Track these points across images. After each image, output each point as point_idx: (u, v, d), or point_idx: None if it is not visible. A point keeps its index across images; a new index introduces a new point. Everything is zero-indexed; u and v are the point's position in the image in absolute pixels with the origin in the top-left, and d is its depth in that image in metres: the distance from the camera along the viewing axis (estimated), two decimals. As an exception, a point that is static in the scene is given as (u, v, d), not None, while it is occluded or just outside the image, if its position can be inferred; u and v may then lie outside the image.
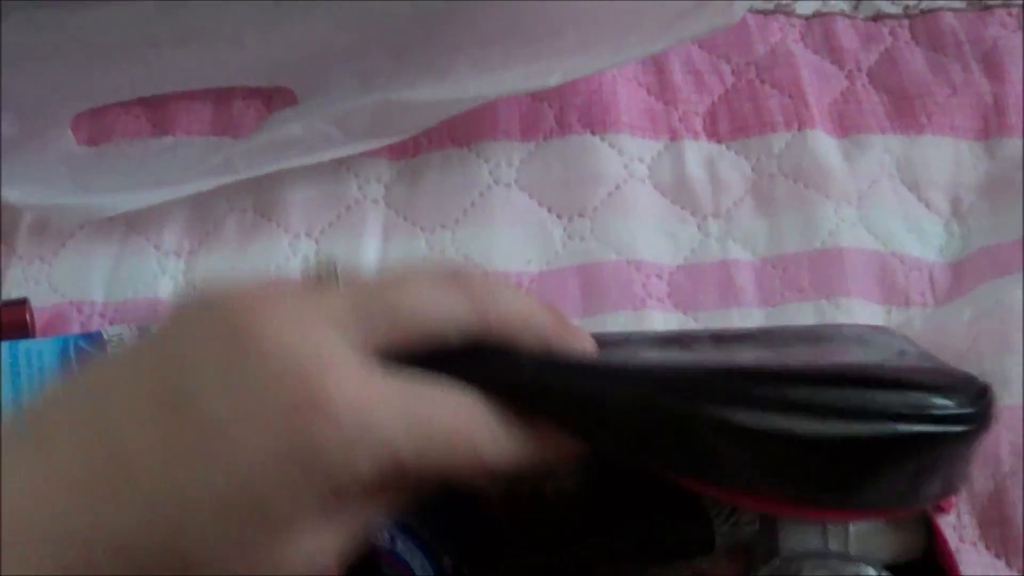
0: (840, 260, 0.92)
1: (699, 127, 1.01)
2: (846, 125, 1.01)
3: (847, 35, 1.07)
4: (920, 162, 0.99)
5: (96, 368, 0.47)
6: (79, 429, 0.43)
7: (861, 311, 0.89)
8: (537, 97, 1.03)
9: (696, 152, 1.00)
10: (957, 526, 0.78)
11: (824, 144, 0.99)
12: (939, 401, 0.54)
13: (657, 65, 1.05)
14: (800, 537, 0.68)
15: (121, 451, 0.42)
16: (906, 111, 1.01)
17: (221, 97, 1.06)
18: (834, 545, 0.67)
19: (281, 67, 1.02)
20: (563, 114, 1.02)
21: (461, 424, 0.47)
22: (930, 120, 1.00)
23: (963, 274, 0.92)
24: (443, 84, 0.95)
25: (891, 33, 1.07)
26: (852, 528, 0.67)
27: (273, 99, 1.05)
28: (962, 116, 1.01)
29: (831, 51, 1.06)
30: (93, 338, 0.84)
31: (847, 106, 1.02)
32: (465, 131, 1.01)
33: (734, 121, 1.01)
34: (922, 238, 0.95)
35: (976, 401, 0.56)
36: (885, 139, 1.00)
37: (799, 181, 0.96)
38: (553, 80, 0.93)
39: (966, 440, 0.55)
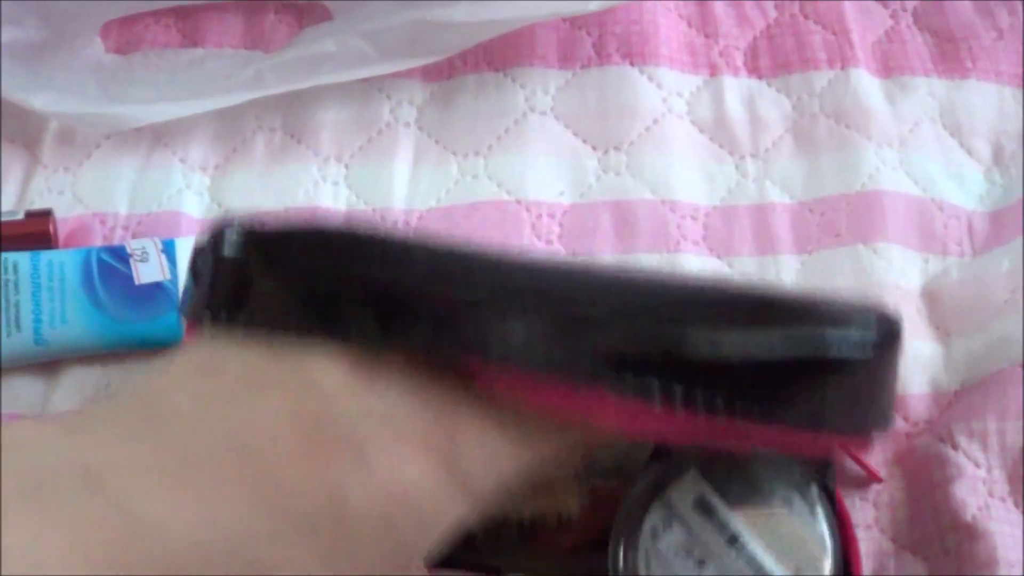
0: (879, 204, 0.90)
1: (739, 62, 1.00)
2: (889, 66, 0.99)
3: (893, -27, 1.05)
4: (963, 107, 0.97)
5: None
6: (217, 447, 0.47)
7: (898, 258, 0.88)
8: (576, 24, 1.01)
9: (736, 88, 0.98)
10: (987, 480, 0.77)
11: (867, 84, 0.97)
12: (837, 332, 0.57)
13: (698, -3, 1.03)
14: None
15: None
16: (951, 54, 1.00)
17: (253, 10, 1.04)
18: None
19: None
20: (601, 43, 1.00)
21: None
22: (975, 64, 0.99)
23: (1002, 224, 0.90)
24: (480, 5, 0.93)
25: (938, -27, 1.05)
26: None
27: (306, 14, 1.03)
28: (1007, 62, 0.99)
29: (875, -13, 1.04)
30: (116, 251, 0.84)
31: (891, 46, 1.00)
32: (502, 55, 0.99)
33: (775, 57, 1.00)
34: (962, 185, 0.93)
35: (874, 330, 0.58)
36: (929, 82, 0.98)
37: (840, 121, 0.94)
38: (593, 5, 0.92)
39: (864, 368, 0.58)
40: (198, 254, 0.61)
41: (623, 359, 0.55)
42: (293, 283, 0.55)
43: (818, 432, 0.60)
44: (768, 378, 0.56)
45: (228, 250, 0.57)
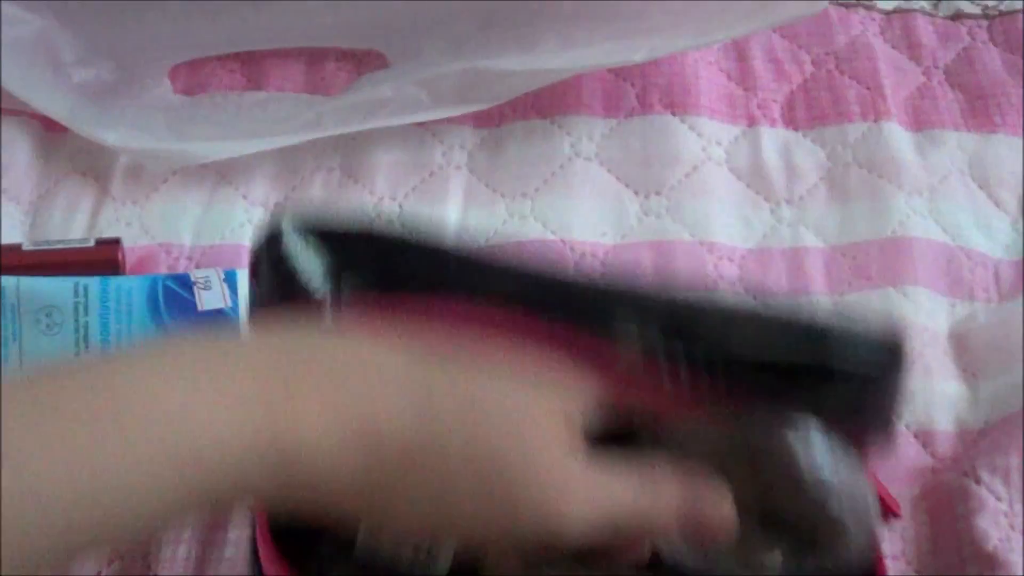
0: (909, 250, 0.93)
1: (777, 114, 1.03)
2: (921, 120, 1.03)
3: (926, 32, 1.10)
4: (992, 160, 1.00)
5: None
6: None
7: (926, 301, 0.91)
8: (620, 75, 1.05)
9: (773, 138, 1.02)
10: (1008, 513, 0.79)
11: (898, 137, 1.01)
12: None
13: (738, 52, 1.08)
14: None
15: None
16: (980, 110, 1.03)
17: (314, 56, 1.08)
18: None
19: (373, 31, 1.05)
20: (645, 93, 1.04)
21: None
22: (1004, 120, 1.02)
23: (1029, 272, 0.94)
24: (530, 56, 0.97)
25: (969, 33, 1.09)
26: None
27: (364, 61, 1.08)
28: (1035, 118, 1.03)
29: (909, 47, 1.09)
30: (181, 279, 0.87)
31: (923, 101, 1.04)
32: (549, 104, 1.03)
33: (811, 110, 1.04)
34: (989, 234, 0.96)
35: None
36: (959, 136, 1.02)
37: (872, 171, 0.98)
38: (638, 57, 0.96)
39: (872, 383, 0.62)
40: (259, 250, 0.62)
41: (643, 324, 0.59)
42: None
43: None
44: (775, 377, 0.59)
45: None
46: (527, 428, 0.50)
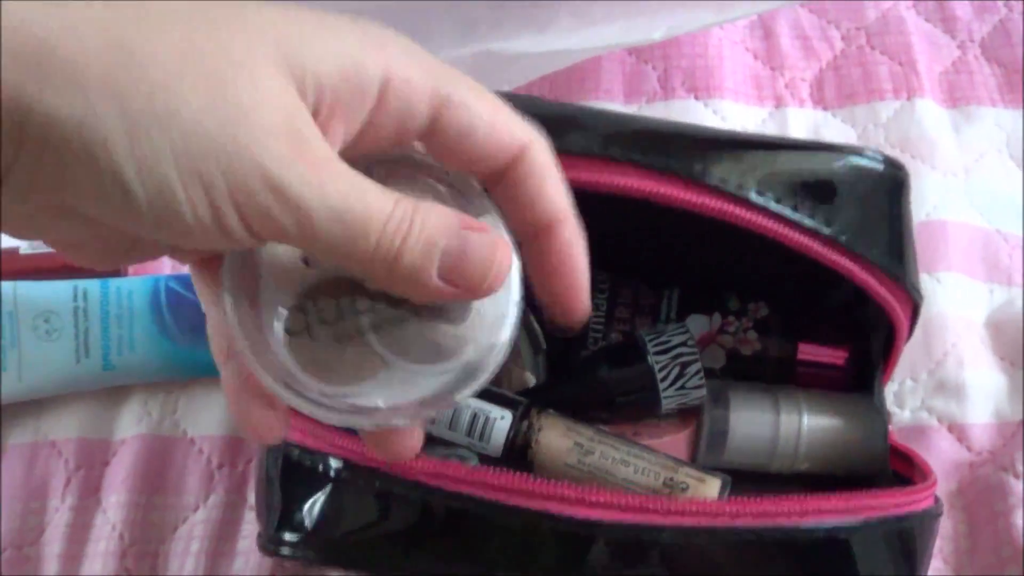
0: (944, 234, 0.90)
1: (805, 94, 1.00)
2: (956, 96, 0.99)
3: (961, 5, 1.05)
4: (1030, 138, 0.96)
5: None
6: None
7: (962, 287, 0.88)
8: (641, 58, 1.01)
9: (801, 119, 0.98)
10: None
11: (933, 114, 0.97)
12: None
13: (765, 29, 1.04)
14: (750, 405, 0.71)
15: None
16: (1018, 85, 0.99)
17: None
18: (784, 419, 0.71)
19: (381, 15, 1.01)
20: (667, 76, 1.00)
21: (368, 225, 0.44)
22: (1043, 95, 0.98)
23: (1070, 255, 0.90)
24: (544, 36, 0.93)
25: (1006, 5, 1.05)
26: (806, 411, 0.71)
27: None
28: (1077, 91, 0.98)
29: (943, 20, 1.04)
30: (184, 280, 0.85)
31: (958, 77, 1.00)
32: (566, 88, 1.00)
33: (841, 88, 1.00)
34: (1028, 217, 0.93)
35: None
36: (996, 112, 0.98)
37: (905, 151, 0.94)
38: (658, 35, 0.92)
39: (879, 180, 0.67)
40: None
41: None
42: None
43: (841, 248, 0.63)
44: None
45: None
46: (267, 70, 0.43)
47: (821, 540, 0.59)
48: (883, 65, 1.00)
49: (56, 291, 0.83)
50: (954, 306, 0.87)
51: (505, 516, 0.58)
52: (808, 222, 0.62)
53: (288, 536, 0.61)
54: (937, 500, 0.65)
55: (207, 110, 0.40)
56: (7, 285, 0.83)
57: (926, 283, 0.87)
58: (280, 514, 0.62)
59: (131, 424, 0.85)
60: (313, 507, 0.61)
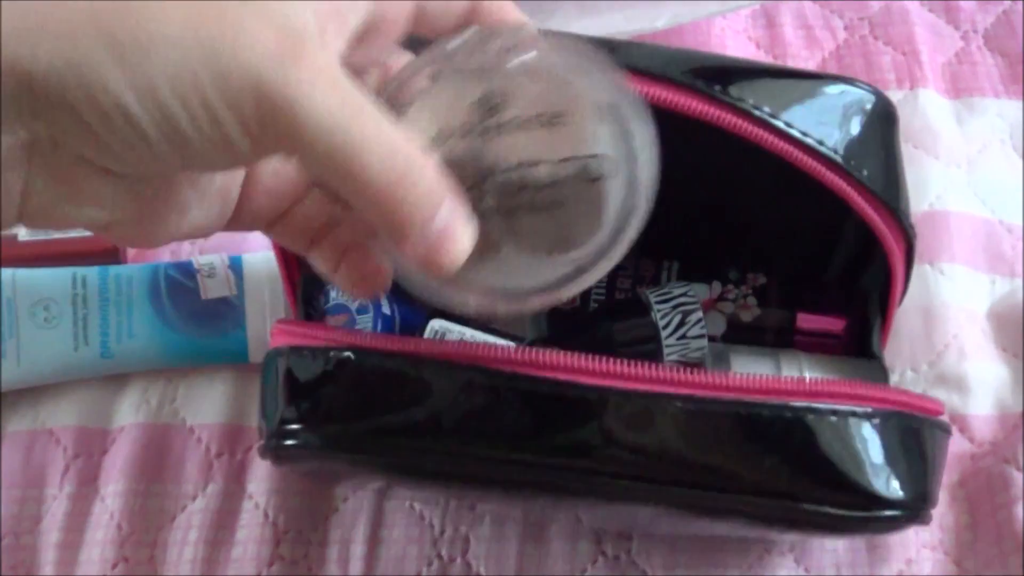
0: (946, 224, 0.89)
1: (808, 83, 0.99)
2: (959, 87, 0.99)
3: (965, -5, 1.04)
4: (1034, 128, 0.96)
5: None
6: None
7: (964, 279, 0.87)
8: (643, 47, 1.01)
9: (803, 109, 0.97)
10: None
11: (936, 104, 0.96)
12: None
13: (768, 18, 1.03)
14: (751, 366, 0.71)
15: None
16: (1020, 76, 0.99)
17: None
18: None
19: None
20: (669, 67, 1.00)
21: (370, 149, 0.45)
22: (1046, 86, 0.98)
23: (1073, 246, 0.89)
24: (549, 23, 0.93)
25: (1010, -5, 1.04)
26: (806, 364, 0.71)
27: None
28: (1079, 82, 0.98)
29: (947, 10, 1.04)
30: (183, 267, 0.85)
31: (961, 67, 1.00)
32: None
33: (845, 77, 0.99)
34: (1031, 208, 0.92)
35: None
36: (999, 103, 0.97)
37: (908, 141, 0.93)
38: (660, 23, 0.91)
39: (872, 112, 0.67)
40: None
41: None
42: None
43: (838, 167, 0.63)
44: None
45: None
46: None
47: (834, 423, 0.59)
48: (886, 55, 0.99)
49: (55, 278, 0.83)
50: (956, 297, 0.86)
51: (514, 385, 0.58)
52: (804, 138, 0.62)
53: (293, 426, 0.61)
54: (947, 421, 0.66)
55: (192, 25, 0.43)
56: (6, 272, 0.83)
57: (928, 274, 0.86)
58: (284, 409, 0.61)
59: (130, 412, 0.84)
60: (318, 398, 0.61)
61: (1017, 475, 0.78)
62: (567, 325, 0.76)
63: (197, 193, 0.53)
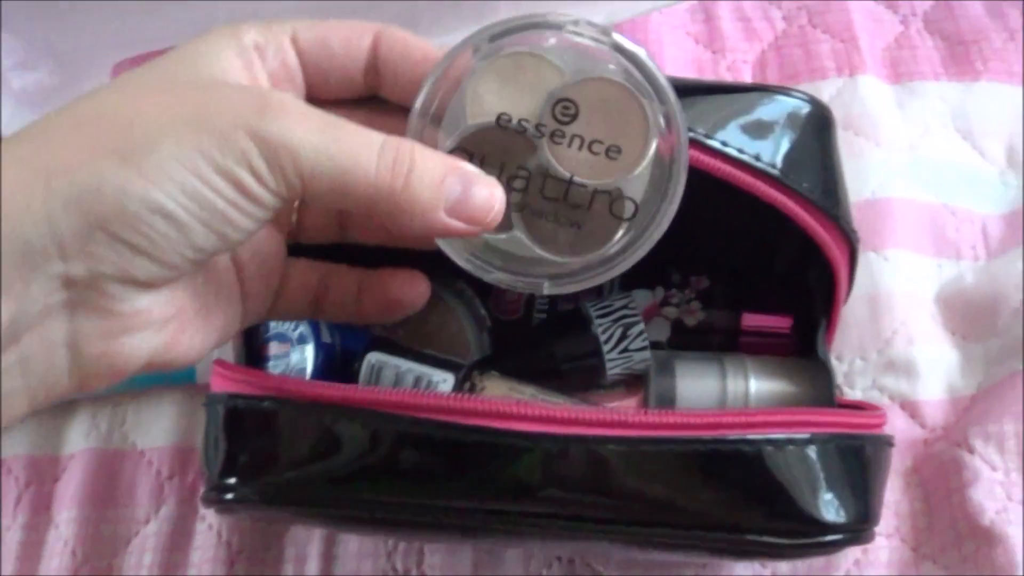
0: (890, 211, 0.89)
1: (747, 76, 0.99)
2: (899, 71, 0.98)
3: (903, -22, 1.04)
4: (975, 110, 0.95)
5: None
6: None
7: (910, 264, 0.87)
8: (582, 45, 1.00)
9: (744, 101, 0.97)
10: (1005, 483, 0.77)
11: (876, 91, 0.96)
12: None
13: (706, 12, 1.03)
14: (696, 372, 0.71)
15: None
16: (962, 57, 0.98)
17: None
18: (731, 384, 0.70)
19: (324, 9, 1.01)
20: (606, 63, 0.99)
21: (356, 159, 0.50)
22: (986, 66, 0.97)
23: (1017, 225, 0.89)
24: (473, 25, 0.93)
25: (948, -24, 1.04)
26: (752, 375, 0.71)
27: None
28: (1020, 62, 0.98)
29: (885, -7, 1.03)
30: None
31: (901, 52, 0.99)
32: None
33: (784, 68, 0.99)
34: (975, 189, 0.92)
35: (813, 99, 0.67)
36: (939, 86, 0.97)
37: (849, 129, 0.93)
38: (597, 20, 0.91)
39: (807, 120, 0.66)
40: None
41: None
42: None
43: (773, 180, 0.63)
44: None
45: None
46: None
47: (770, 453, 0.59)
48: (825, 43, 0.99)
49: None
50: (902, 283, 0.86)
51: (447, 435, 0.58)
52: (738, 155, 0.62)
53: (231, 480, 0.61)
54: (889, 434, 0.65)
55: (173, 112, 0.47)
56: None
57: (873, 262, 0.86)
58: (223, 462, 0.61)
59: (80, 439, 0.84)
60: (255, 449, 0.61)
61: (970, 458, 0.78)
62: (510, 339, 0.76)
63: (220, 295, 0.57)
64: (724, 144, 0.62)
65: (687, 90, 0.58)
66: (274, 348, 0.75)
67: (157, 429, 0.84)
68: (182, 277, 0.51)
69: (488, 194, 0.53)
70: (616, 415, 0.58)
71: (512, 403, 0.58)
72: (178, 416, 0.85)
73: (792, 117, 0.65)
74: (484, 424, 0.58)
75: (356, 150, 0.49)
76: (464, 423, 0.58)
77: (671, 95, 0.55)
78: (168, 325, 0.52)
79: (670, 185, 0.55)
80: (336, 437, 0.59)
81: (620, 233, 0.56)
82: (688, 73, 0.99)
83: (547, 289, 0.56)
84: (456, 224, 0.52)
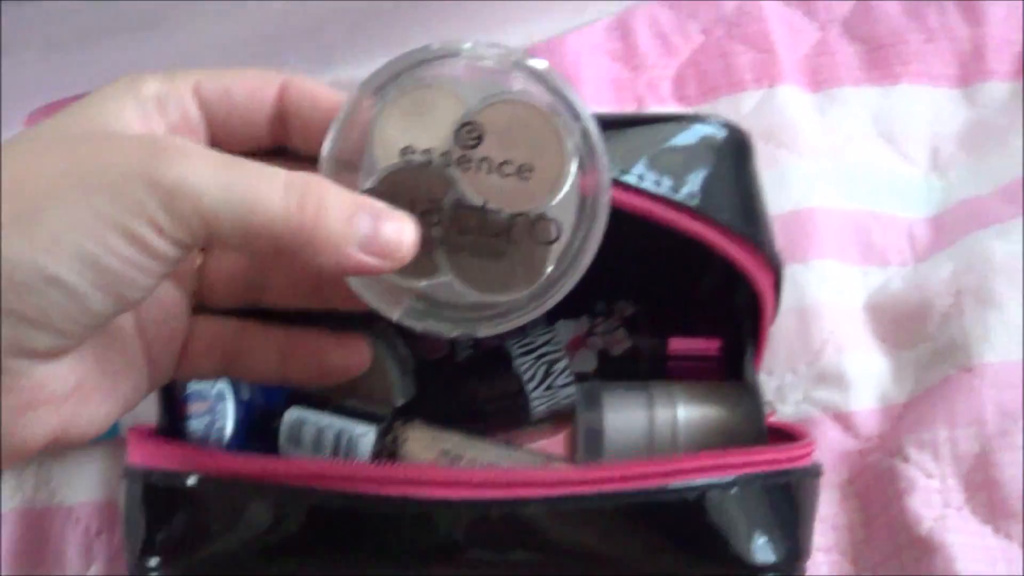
0: (813, 221, 0.89)
1: (666, 92, 0.98)
2: (819, 79, 0.98)
3: (820, -17, 1.04)
4: (897, 113, 0.96)
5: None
6: None
7: (836, 273, 0.87)
8: (498, 70, 1.00)
9: (664, 119, 0.96)
10: (942, 490, 0.77)
11: (796, 100, 0.96)
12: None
13: (623, 29, 1.02)
14: (623, 403, 0.70)
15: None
16: (881, 61, 0.98)
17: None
18: (659, 412, 0.69)
19: (236, 47, 1.00)
20: (524, 85, 0.99)
21: (260, 196, 0.48)
22: (906, 69, 0.97)
23: (943, 228, 0.89)
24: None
25: (865, -21, 1.04)
26: (680, 403, 0.70)
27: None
28: (940, 62, 0.98)
29: (802, 2, 1.03)
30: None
31: (820, 59, 0.99)
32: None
33: (703, 82, 0.98)
34: (899, 193, 0.92)
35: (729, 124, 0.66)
36: (860, 91, 0.97)
37: (770, 141, 0.93)
38: (507, 43, 0.91)
39: (723, 146, 0.65)
40: None
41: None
42: None
43: (691, 212, 0.62)
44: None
45: None
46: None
47: (693, 499, 0.58)
48: (743, 55, 0.99)
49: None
50: (829, 293, 0.86)
51: (364, 505, 0.57)
52: (656, 189, 0.61)
53: (151, 561, 0.60)
54: (817, 463, 0.64)
55: (62, 170, 0.45)
56: None
57: (799, 273, 0.86)
58: (143, 541, 0.60)
59: (5, 499, 0.83)
60: (174, 527, 0.59)
61: (905, 467, 0.77)
62: (434, 379, 0.75)
63: (123, 361, 0.55)
64: (640, 179, 0.61)
65: (602, 125, 0.57)
66: (194, 407, 0.74)
67: (84, 485, 0.83)
68: (81, 345, 0.49)
69: (398, 227, 0.51)
70: (537, 474, 0.58)
71: (429, 468, 0.58)
72: (104, 470, 0.83)
73: (709, 145, 0.65)
74: (400, 494, 0.57)
75: (260, 186, 0.47)
76: (380, 493, 0.57)
77: (582, 109, 0.53)
78: (69, 398, 0.50)
79: (597, 210, 0.54)
80: (255, 513, 0.58)
81: (547, 259, 0.54)
82: (608, 93, 0.98)
83: (481, 332, 0.54)
84: (369, 260, 0.50)
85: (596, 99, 0.97)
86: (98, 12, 0.96)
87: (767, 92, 0.96)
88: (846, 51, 0.99)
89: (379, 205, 0.51)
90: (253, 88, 0.55)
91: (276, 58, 0.99)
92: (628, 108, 0.97)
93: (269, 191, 0.47)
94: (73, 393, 0.50)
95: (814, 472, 0.64)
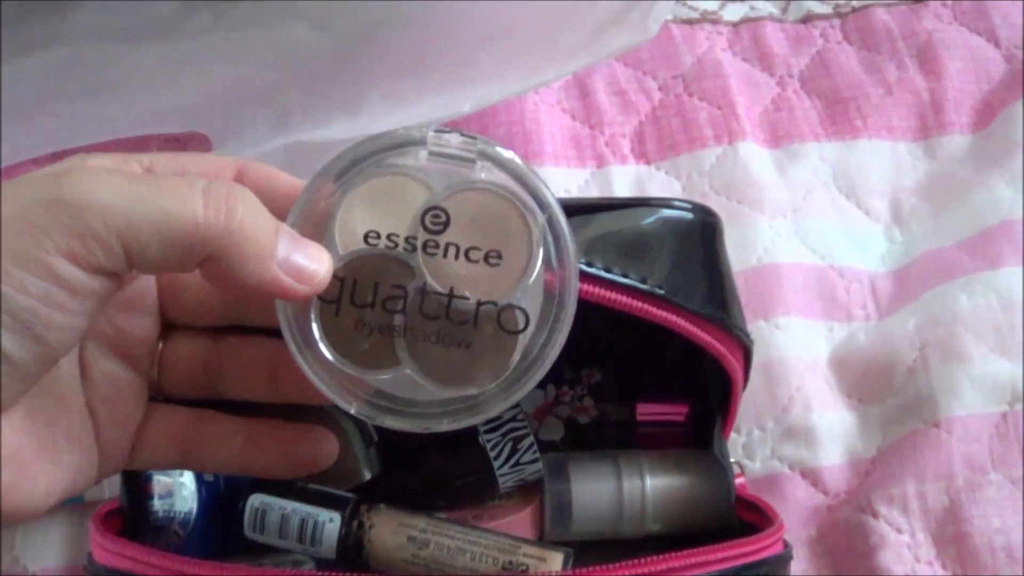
0: (776, 277, 0.89)
1: (627, 149, 0.98)
2: (778, 134, 0.98)
3: (776, 39, 1.04)
4: (857, 167, 0.96)
5: None
6: None
7: (801, 330, 0.87)
8: (456, 127, 0.99)
9: (624, 177, 0.96)
10: (912, 545, 0.76)
11: (756, 156, 0.96)
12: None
13: (581, 88, 1.02)
14: (590, 474, 0.70)
15: None
16: (840, 115, 0.99)
17: (135, 146, 1.02)
18: (627, 483, 0.69)
19: (194, 111, 0.99)
20: (484, 145, 0.98)
21: (179, 202, 0.46)
22: (865, 123, 0.98)
23: (907, 281, 0.89)
24: (357, 121, 0.91)
25: (822, 34, 1.04)
26: (648, 473, 0.70)
27: (187, 144, 1.02)
28: (899, 116, 0.98)
29: (760, 57, 1.03)
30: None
31: (779, 114, 0.99)
32: (384, 169, 0.98)
33: (662, 139, 0.98)
34: (862, 247, 0.92)
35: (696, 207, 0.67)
36: (820, 146, 0.97)
37: (731, 197, 0.93)
38: (467, 108, 0.90)
39: (691, 230, 0.66)
40: None
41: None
42: None
43: (660, 301, 0.62)
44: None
45: None
46: None
47: None
48: (702, 111, 0.99)
49: None
50: (795, 350, 0.86)
51: None
52: (624, 280, 0.60)
53: None
54: (787, 544, 0.64)
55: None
56: None
57: (764, 330, 0.86)
58: None
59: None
60: None
61: (874, 523, 0.77)
62: (398, 453, 0.73)
63: (69, 437, 0.53)
64: (608, 270, 0.60)
65: (567, 211, 0.56)
66: (157, 487, 0.72)
67: (48, 551, 0.82)
68: (13, 405, 0.47)
69: (316, 252, 0.50)
70: None
71: None
72: (68, 536, 0.82)
73: (675, 230, 0.65)
74: None
75: (179, 191, 0.45)
76: None
77: (549, 197, 0.52)
78: (4, 466, 0.48)
79: (565, 299, 0.52)
80: None
81: (514, 350, 0.52)
82: (568, 151, 0.98)
83: (443, 427, 0.52)
84: (285, 279, 0.48)
85: (557, 158, 0.97)
86: (55, 76, 0.95)
87: (728, 148, 0.96)
88: (804, 106, 1.00)
89: (295, 233, 0.50)
90: (209, 172, 0.54)
91: (233, 120, 0.98)
92: (589, 166, 0.97)
93: (190, 196, 0.46)
94: (9, 462, 0.47)
95: (786, 557, 0.64)
